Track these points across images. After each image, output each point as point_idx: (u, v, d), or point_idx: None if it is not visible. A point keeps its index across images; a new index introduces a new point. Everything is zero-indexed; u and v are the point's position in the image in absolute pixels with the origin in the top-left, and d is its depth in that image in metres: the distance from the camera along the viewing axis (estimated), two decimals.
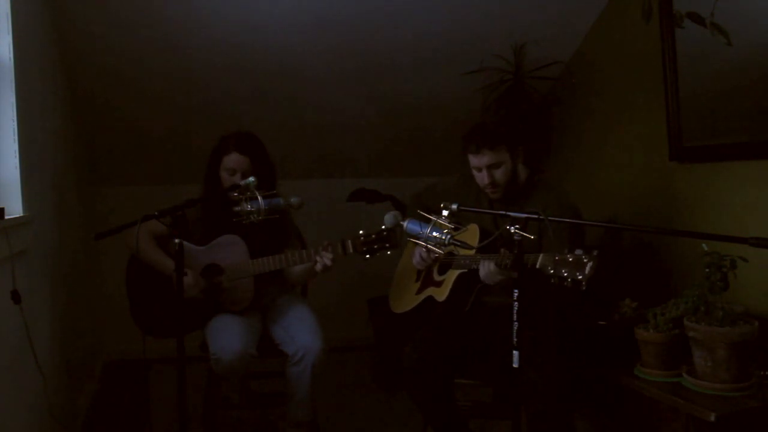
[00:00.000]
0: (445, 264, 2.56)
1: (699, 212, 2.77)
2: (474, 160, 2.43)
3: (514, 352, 1.81)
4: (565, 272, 1.78)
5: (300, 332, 2.57)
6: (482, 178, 2.44)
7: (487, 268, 2.26)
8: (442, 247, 1.95)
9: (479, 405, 2.67)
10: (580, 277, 1.75)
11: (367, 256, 2.47)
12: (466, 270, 2.41)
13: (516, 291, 1.81)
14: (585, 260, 1.75)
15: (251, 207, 2.25)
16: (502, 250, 2.24)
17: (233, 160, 2.62)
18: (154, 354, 2.95)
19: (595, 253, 1.76)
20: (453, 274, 2.49)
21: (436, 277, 2.61)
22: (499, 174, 2.42)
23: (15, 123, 2.13)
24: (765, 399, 2.04)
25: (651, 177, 3.08)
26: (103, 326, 3.99)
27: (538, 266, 1.97)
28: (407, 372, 2.41)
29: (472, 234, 2.48)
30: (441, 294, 2.51)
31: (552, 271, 1.81)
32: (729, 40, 2.42)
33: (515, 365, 1.81)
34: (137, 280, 2.64)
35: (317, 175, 4.28)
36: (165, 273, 2.57)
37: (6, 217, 1.93)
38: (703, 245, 2.12)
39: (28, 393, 2.12)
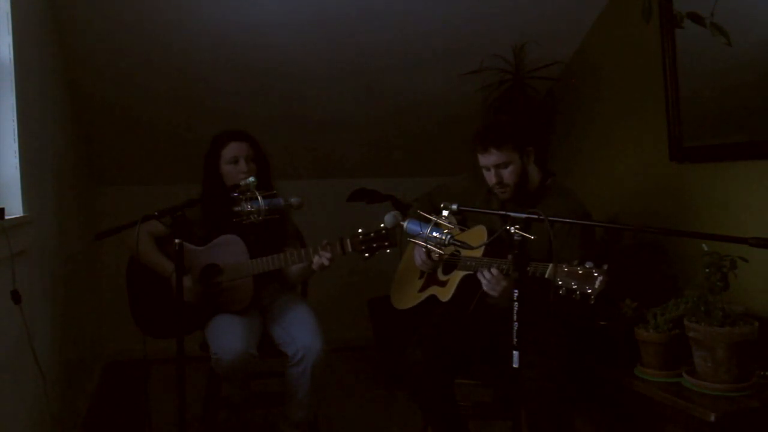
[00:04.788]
0: (450, 264, 2.55)
1: (699, 212, 2.76)
2: (482, 159, 2.42)
3: (514, 352, 1.81)
4: (575, 285, 1.76)
5: (300, 333, 2.57)
6: (490, 177, 2.42)
7: (489, 276, 2.23)
8: (442, 248, 1.94)
9: (479, 405, 2.67)
10: (589, 290, 1.74)
11: (366, 255, 2.47)
12: (471, 272, 2.40)
13: (516, 291, 1.81)
14: (595, 274, 1.74)
15: (251, 207, 2.25)
16: (510, 256, 2.23)
17: (234, 147, 2.62)
18: (154, 354, 2.95)
19: (605, 267, 1.75)
20: (458, 275, 2.47)
21: (441, 277, 2.59)
22: (507, 174, 2.40)
23: (15, 123, 2.13)
24: (765, 399, 2.04)
25: (651, 177, 3.08)
26: (103, 326, 3.99)
27: (546, 276, 1.96)
28: (409, 371, 2.40)
29: (479, 235, 2.46)
30: (445, 294, 2.51)
31: (561, 283, 1.79)
32: (729, 40, 2.42)
33: (515, 365, 1.81)
34: (137, 281, 2.64)
35: (317, 175, 4.28)
36: (164, 275, 2.57)
37: (6, 217, 1.92)
38: (703, 245, 2.12)
39: (28, 393, 2.12)
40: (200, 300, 2.56)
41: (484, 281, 2.26)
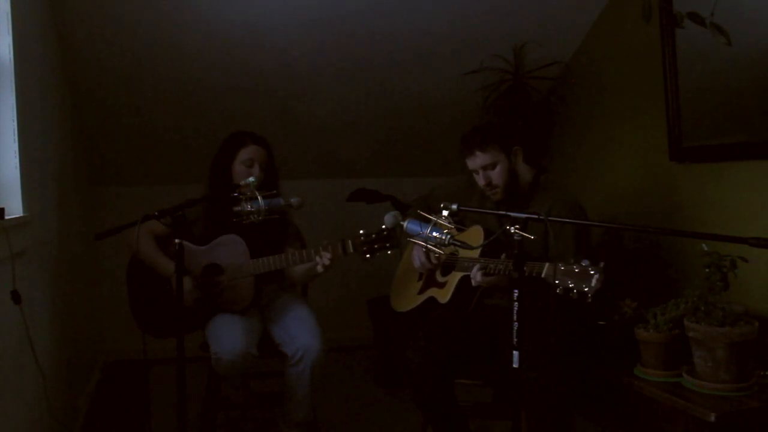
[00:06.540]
0: (448, 265, 2.56)
1: (699, 212, 2.77)
2: (469, 163, 2.46)
3: (514, 352, 1.81)
4: (571, 283, 1.76)
5: (299, 333, 2.56)
6: (480, 179, 2.46)
7: (473, 271, 2.27)
8: (442, 248, 1.94)
9: (479, 405, 2.67)
10: (586, 289, 1.73)
11: (368, 256, 2.47)
12: (469, 273, 2.40)
13: (516, 291, 1.81)
14: (592, 272, 1.73)
15: (251, 207, 2.25)
16: (503, 255, 2.23)
17: (252, 150, 2.62)
18: (154, 354, 2.95)
19: (601, 265, 1.73)
20: (456, 276, 2.47)
21: (439, 278, 2.59)
22: (495, 174, 2.43)
23: (15, 123, 2.13)
24: (765, 399, 2.04)
25: (651, 177, 3.08)
26: (103, 326, 3.99)
27: (543, 275, 1.96)
28: (409, 372, 2.40)
29: (475, 235, 2.47)
30: (444, 296, 2.51)
31: (557, 282, 1.79)
32: (729, 40, 2.42)
33: (515, 365, 1.81)
34: (138, 280, 2.64)
35: (317, 175, 4.28)
36: (165, 275, 2.57)
37: (6, 217, 1.92)
38: (703, 245, 2.12)
39: (28, 393, 2.12)
40: (197, 304, 2.56)
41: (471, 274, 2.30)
